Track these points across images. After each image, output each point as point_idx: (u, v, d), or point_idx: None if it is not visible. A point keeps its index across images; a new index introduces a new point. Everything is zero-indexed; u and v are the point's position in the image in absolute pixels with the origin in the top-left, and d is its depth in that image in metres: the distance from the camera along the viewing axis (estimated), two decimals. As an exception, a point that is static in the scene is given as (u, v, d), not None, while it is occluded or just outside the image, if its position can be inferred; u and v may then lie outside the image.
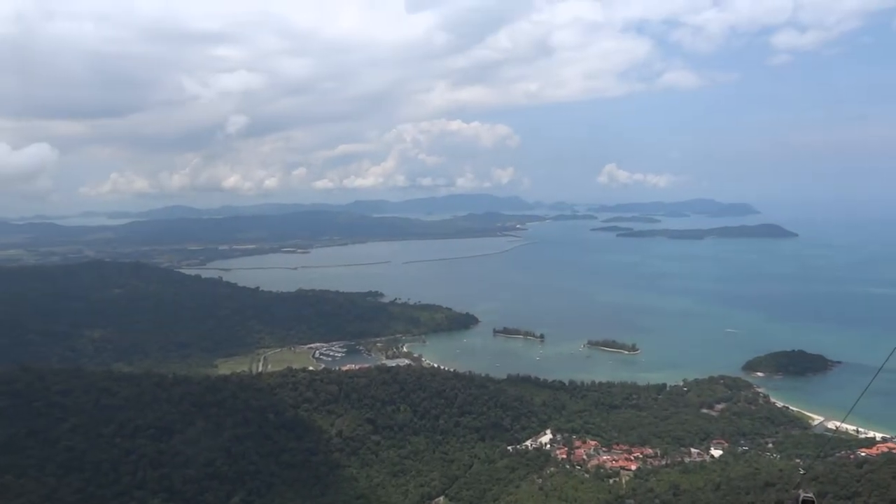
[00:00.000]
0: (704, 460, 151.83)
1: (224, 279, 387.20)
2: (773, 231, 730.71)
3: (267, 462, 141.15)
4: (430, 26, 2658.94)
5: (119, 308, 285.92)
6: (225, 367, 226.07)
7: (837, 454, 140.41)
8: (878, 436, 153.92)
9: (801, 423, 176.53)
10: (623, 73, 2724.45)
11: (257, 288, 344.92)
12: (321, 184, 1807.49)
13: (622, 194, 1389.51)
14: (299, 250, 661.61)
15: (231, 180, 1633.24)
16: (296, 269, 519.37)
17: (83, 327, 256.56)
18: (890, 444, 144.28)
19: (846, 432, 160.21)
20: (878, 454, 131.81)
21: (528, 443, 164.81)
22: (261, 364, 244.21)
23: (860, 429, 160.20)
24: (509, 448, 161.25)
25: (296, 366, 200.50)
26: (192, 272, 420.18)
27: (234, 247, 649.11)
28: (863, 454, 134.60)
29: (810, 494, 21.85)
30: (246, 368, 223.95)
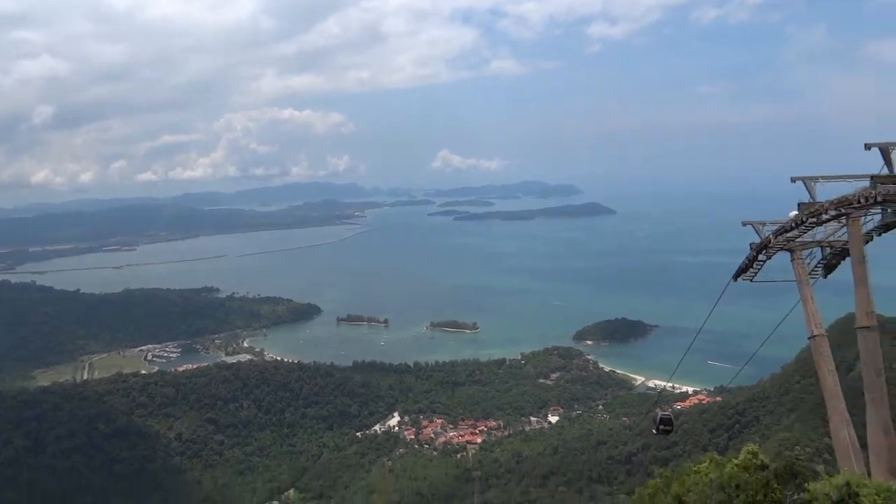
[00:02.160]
0: (543, 427, 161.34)
1: (38, 283, 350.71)
2: (595, 209, 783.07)
3: (98, 475, 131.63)
4: (254, 10, 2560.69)
5: None
6: (44, 378, 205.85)
7: (658, 409, 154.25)
8: (691, 389, 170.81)
9: (627, 384, 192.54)
10: (452, 60, 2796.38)
11: (78, 290, 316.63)
12: (144, 176, 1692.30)
13: (457, 179, 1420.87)
14: (124, 248, 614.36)
15: (40, 175, 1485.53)
16: (121, 268, 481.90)
17: None
18: (700, 397, 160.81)
19: (664, 389, 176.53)
20: (690, 406, 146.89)
21: (376, 427, 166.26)
22: (86, 372, 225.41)
23: (675, 385, 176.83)
24: (358, 434, 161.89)
25: (126, 370, 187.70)
26: (0, 277, 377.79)
27: (48, 248, 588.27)
28: (678, 407, 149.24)
29: (668, 413, 23.43)
30: (69, 377, 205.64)
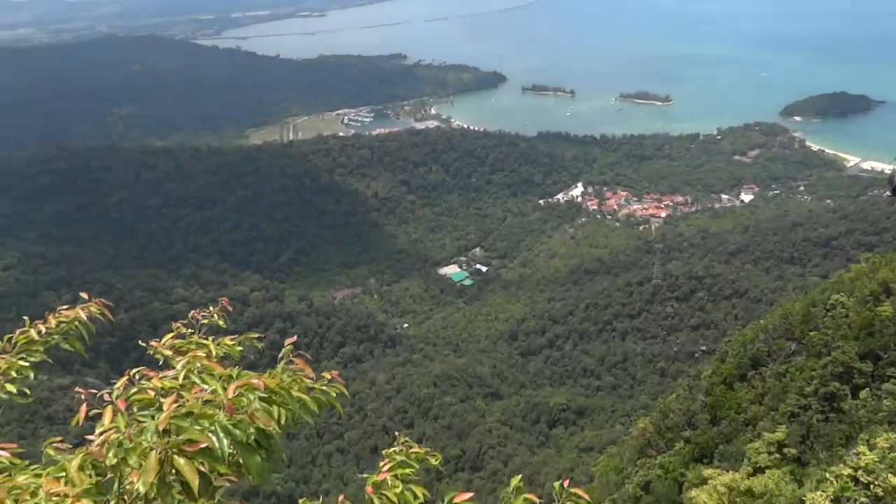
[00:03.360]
0: (734, 205, 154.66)
1: (242, 49, 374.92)
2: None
3: (309, 224, 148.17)
4: None
5: (141, 84, 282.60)
6: (256, 137, 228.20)
7: (871, 193, 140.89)
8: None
9: (836, 165, 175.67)
10: None
11: (278, 56, 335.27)
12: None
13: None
14: (315, 14, 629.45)
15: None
16: (314, 34, 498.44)
17: (109, 104, 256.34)
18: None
19: (882, 172, 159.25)
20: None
21: (559, 196, 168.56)
22: (291, 132, 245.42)
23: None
24: (541, 202, 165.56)
25: (326, 133, 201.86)
26: (209, 43, 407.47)
27: (248, 14, 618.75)
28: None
29: None
30: (277, 137, 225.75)
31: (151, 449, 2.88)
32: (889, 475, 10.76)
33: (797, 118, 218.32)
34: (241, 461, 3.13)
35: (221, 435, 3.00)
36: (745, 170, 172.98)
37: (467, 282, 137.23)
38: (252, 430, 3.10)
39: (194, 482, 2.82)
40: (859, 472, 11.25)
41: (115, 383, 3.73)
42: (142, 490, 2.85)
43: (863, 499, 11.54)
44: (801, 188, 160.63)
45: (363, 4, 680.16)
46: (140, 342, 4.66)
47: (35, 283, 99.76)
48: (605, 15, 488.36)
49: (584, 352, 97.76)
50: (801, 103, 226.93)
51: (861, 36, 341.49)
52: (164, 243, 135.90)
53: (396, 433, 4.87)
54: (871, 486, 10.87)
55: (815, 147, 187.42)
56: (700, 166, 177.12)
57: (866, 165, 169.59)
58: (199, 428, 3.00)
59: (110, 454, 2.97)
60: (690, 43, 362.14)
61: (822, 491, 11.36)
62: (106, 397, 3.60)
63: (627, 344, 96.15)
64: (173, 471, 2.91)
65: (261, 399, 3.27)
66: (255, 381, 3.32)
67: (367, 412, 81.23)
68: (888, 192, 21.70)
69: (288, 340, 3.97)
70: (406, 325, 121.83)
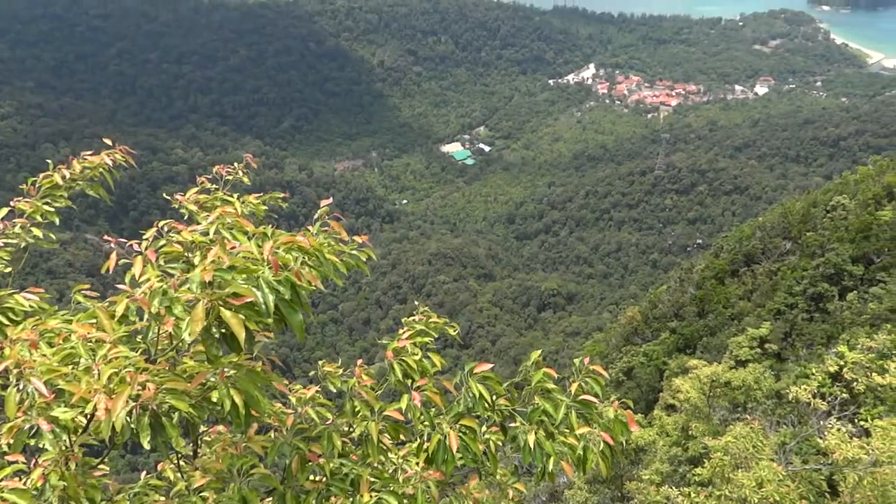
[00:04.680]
0: (747, 98, 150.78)
1: None
2: None
3: (312, 90, 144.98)
4: None
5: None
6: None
7: (888, 93, 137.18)
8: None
9: (858, 61, 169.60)
10: None
11: None
12: None
13: None
14: None
15: None
16: None
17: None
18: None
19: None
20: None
21: (569, 77, 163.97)
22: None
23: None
24: (550, 82, 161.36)
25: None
26: None
27: None
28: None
29: None
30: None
31: (199, 300, 2.88)
32: (874, 374, 11.10)
33: (825, 7, 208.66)
34: (279, 317, 3.12)
35: (267, 290, 2.99)
36: (763, 60, 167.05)
37: (469, 161, 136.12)
38: (288, 286, 3.08)
39: (241, 335, 2.85)
40: (845, 370, 11.60)
41: (142, 235, 3.60)
42: (188, 339, 2.89)
43: (843, 394, 11.98)
44: (819, 83, 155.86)
45: None
46: (165, 195, 4.58)
47: (34, 135, 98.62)
48: None
49: (580, 239, 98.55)
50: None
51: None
52: (163, 101, 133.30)
53: (416, 302, 4.94)
54: (854, 384, 11.25)
55: (839, 40, 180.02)
56: (718, 54, 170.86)
57: (889, 63, 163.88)
58: (243, 282, 2.98)
59: (155, 302, 2.96)
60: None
61: (806, 386, 11.79)
62: (135, 247, 3.53)
63: (623, 234, 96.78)
64: (218, 322, 2.94)
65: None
66: (300, 239, 3.27)
67: (362, 285, 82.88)
68: None
69: (324, 202, 3.85)
70: (405, 201, 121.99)
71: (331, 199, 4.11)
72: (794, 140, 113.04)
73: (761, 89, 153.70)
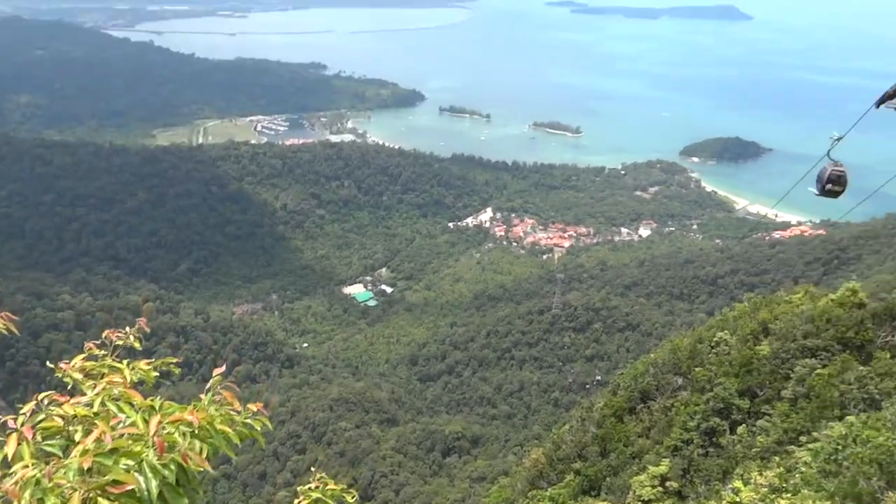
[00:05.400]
0: (633, 239, 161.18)
1: (156, 43, 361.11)
2: (729, 12, 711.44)
3: (212, 233, 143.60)
4: None
5: (44, 72, 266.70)
6: (163, 138, 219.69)
7: (754, 235, 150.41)
8: (795, 219, 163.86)
9: (727, 206, 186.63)
10: None
11: (193, 55, 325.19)
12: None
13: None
14: (236, 14, 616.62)
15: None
16: (234, 35, 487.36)
17: (7, 91, 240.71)
18: (803, 228, 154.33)
19: (766, 216, 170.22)
20: (790, 236, 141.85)
21: (468, 220, 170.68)
22: (201, 135, 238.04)
23: (779, 213, 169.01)
24: (450, 224, 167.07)
25: (237, 139, 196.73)
26: (121, 34, 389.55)
27: (165, 7, 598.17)
28: (777, 236, 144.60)
29: (841, 168, 17.92)
30: (185, 140, 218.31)
31: (74, 490, 2.62)
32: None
33: (695, 159, 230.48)
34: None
35: (150, 475, 2.78)
36: (645, 205, 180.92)
37: (371, 302, 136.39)
38: (174, 468, 2.88)
39: None
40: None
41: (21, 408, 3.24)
42: None
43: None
44: (695, 226, 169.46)
45: (286, 10, 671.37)
46: (48, 364, 4.15)
47: None
48: (525, 45, 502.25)
49: (483, 379, 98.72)
50: (699, 145, 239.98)
51: (754, 85, 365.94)
52: (54, 244, 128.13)
53: (313, 469, 4.70)
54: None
55: (709, 188, 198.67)
56: (604, 199, 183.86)
57: (753, 209, 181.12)
58: (124, 467, 2.77)
59: (26, 494, 2.67)
60: (602, 78, 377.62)
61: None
62: (10, 423, 3.14)
63: (524, 373, 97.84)
64: None
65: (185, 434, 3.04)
66: (189, 416, 3.08)
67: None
68: (815, 191, 20.58)
69: (216, 370, 3.65)
70: (305, 344, 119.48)
71: (223, 367, 4.02)
72: (678, 279, 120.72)
73: (644, 232, 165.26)
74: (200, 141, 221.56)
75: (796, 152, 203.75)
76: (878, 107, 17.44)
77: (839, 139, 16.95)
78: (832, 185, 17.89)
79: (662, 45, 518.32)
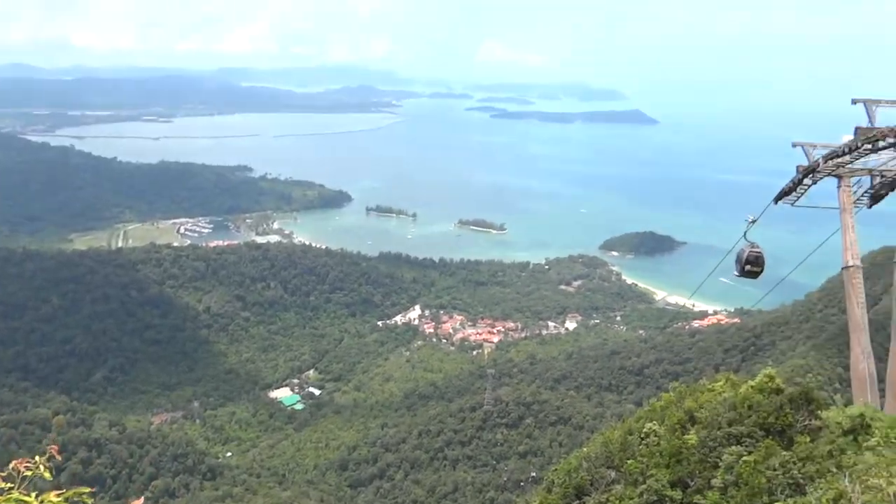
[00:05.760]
0: (560, 332, 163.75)
1: (77, 148, 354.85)
2: (638, 117, 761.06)
3: (130, 339, 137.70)
4: None
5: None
6: (81, 243, 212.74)
7: (675, 325, 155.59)
8: (711, 309, 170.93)
9: (647, 298, 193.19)
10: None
11: (115, 158, 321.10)
12: (184, 46, 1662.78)
13: (498, 74, 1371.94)
14: (161, 119, 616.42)
15: (82, 37, 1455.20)
16: (158, 139, 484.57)
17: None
18: (719, 317, 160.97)
19: (684, 306, 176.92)
20: (708, 326, 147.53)
21: (397, 318, 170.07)
22: (121, 239, 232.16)
23: (696, 303, 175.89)
24: (379, 323, 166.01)
25: (160, 242, 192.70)
26: (39, 139, 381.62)
27: (87, 113, 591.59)
28: (696, 325, 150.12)
29: (758, 250, 18.49)
30: (105, 244, 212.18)
31: None
32: None
33: (614, 253, 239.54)
34: None
35: None
36: (570, 299, 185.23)
37: (299, 406, 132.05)
38: None
39: None
40: None
41: None
42: None
43: None
44: (618, 318, 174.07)
45: (212, 115, 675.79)
46: None
47: None
48: (448, 147, 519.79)
49: (415, 482, 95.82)
50: (617, 239, 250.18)
51: (664, 182, 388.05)
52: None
53: None
54: None
55: (629, 280, 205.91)
56: (530, 293, 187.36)
57: (671, 300, 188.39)
58: None
59: None
60: (523, 177, 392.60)
61: None
62: None
63: (458, 472, 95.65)
64: None
65: None
66: None
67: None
68: (735, 272, 21.46)
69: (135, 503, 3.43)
70: (229, 453, 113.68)
71: (142, 499, 3.89)
72: (605, 370, 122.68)
73: (571, 324, 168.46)
74: (120, 245, 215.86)
75: (707, 244, 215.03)
76: (776, 202, 19.11)
77: (754, 221, 18.39)
78: (750, 265, 19.12)
79: (578, 147, 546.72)
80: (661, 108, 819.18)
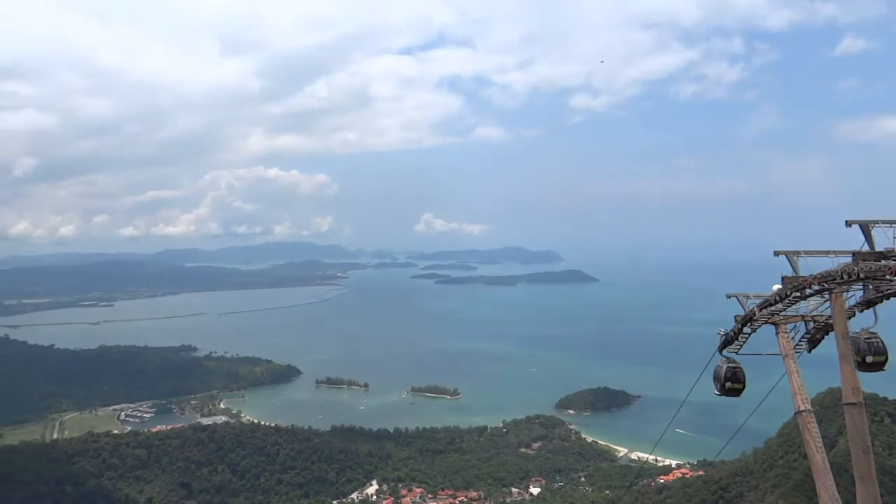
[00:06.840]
0: (524, 499, 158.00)
1: (11, 337, 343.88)
2: (577, 276, 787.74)
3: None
4: (245, 72, 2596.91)
5: None
6: (12, 437, 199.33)
7: (641, 482, 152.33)
8: (674, 463, 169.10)
9: (609, 455, 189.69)
10: (438, 125, 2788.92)
11: (52, 346, 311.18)
12: (127, 231, 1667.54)
13: (440, 242, 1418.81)
14: (102, 304, 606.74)
15: (19, 228, 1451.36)
16: (98, 323, 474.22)
17: None
18: (683, 470, 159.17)
19: (646, 461, 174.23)
20: (673, 480, 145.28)
21: (353, 495, 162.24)
22: (56, 430, 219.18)
23: (658, 458, 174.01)
24: (334, 502, 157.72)
25: (98, 430, 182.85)
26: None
27: (24, 301, 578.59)
28: (662, 481, 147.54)
29: (736, 364, 18.22)
30: (38, 436, 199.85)
31: None
32: None
33: (570, 411, 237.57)
34: None
35: None
36: (531, 462, 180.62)
37: None
38: None
39: None
40: None
41: None
42: None
43: None
44: (583, 479, 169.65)
45: (155, 296, 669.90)
46: None
47: None
48: (396, 315, 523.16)
49: None
50: (572, 397, 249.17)
51: (611, 338, 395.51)
52: None
53: None
54: None
55: (589, 439, 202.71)
56: (490, 459, 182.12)
57: (633, 456, 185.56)
58: None
59: None
60: (471, 341, 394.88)
61: None
62: None
63: None
64: None
65: None
66: None
67: None
68: (716, 392, 20.79)
69: None
70: None
71: None
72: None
73: (535, 489, 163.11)
74: (55, 436, 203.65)
75: (660, 396, 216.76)
76: (720, 352, 19.95)
77: (726, 334, 18.96)
78: (730, 382, 18.15)
79: (523, 308, 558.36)
80: (598, 266, 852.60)
